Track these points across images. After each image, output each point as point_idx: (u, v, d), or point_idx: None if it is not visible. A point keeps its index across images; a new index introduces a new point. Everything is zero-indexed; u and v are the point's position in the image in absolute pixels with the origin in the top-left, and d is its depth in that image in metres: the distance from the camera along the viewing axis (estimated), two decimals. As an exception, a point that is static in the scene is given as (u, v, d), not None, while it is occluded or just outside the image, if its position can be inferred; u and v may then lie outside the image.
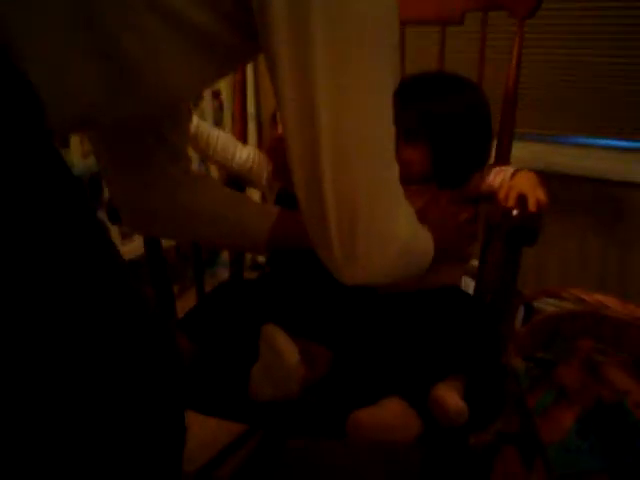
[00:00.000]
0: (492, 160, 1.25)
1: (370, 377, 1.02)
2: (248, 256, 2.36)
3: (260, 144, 2.37)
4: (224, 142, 1.33)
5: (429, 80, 1.16)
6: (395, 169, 0.78)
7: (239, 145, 1.35)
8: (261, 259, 2.41)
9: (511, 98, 1.23)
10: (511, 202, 1.01)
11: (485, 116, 1.14)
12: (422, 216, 1.05)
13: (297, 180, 0.76)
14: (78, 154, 1.99)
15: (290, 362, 0.92)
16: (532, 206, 0.98)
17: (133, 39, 0.66)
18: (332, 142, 0.71)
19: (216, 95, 2.37)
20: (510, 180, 1.07)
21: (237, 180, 1.39)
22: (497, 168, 1.15)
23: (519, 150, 1.32)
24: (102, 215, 2.02)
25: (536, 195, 0.99)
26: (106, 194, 2.01)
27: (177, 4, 0.66)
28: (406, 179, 1.10)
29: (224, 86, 2.34)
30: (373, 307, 1.12)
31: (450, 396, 0.92)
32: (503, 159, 1.24)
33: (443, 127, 1.10)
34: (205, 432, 1.43)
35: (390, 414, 0.92)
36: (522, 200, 1.00)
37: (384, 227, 0.78)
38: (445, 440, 1.15)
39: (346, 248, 0.76)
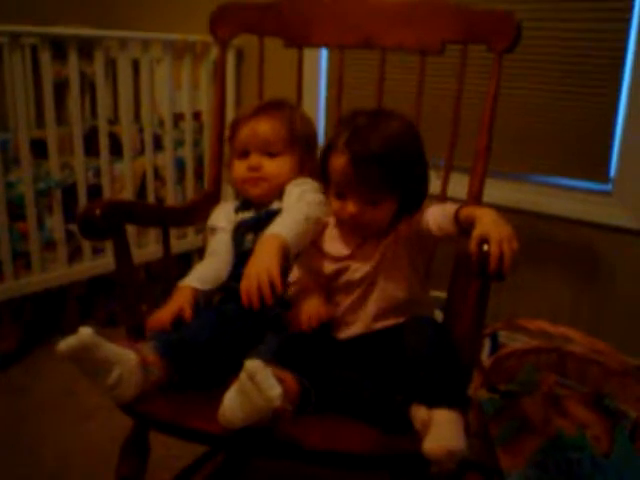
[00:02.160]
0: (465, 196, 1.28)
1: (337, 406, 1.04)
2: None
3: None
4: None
5: (375, 133, 1.09)
6: None
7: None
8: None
9: (487, 130, 1.25)
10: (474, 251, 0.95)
11: (420, 142, 1.14)
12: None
13: None
14: (56, 166, 1.98)
15: (270, 395, 0.91)
16: (507, 262, 0.92)
17: None
18: None
19: (197, 116, 2.39)
20: (477, 227, 0.98)
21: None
22: (436, 207, 1.12)
23: (490, 187, 1.34)
24: (73, 228, 2.04)
25: (512, 247, 0.93)
26: (81, 206, 2.02)
27: None
28: (377, 232, 1.13)
29: (205, 106, 2.37)
30: (335, 350, 1.15)
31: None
32: (477, 190, 1.27)
33: (405, 177, 1.09)
34: (169, 449, 1.43)
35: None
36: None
37: None
38: (408, 466, 1.16)
39: None
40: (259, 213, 1.29)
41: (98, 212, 1.10)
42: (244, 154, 1.30)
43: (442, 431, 0.93)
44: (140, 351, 1.04)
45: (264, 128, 1.28)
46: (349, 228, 1.15)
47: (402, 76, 1.68)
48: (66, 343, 0.94)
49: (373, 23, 1.38)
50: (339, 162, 1.09)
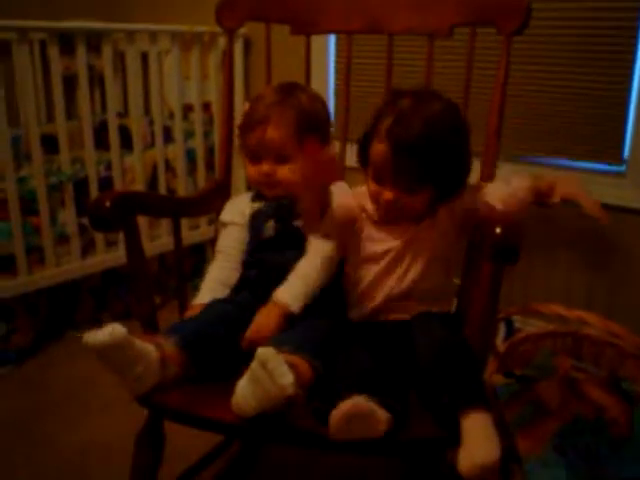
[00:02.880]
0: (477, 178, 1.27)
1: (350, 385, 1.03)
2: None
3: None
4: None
5: (417, 122, 1.05)
6: None
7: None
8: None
9: (497, 113, 1.24)
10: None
11: (465, 128, 1.13)
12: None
13: None
14: (67, 160, 1.99)
15: (282, 383, 0.92)
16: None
17: None
18: None
19: (206, 107, 2.39)
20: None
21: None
22: (491, 185, 1.16)
23: (501, 170, 1.33)
24: (86, 221, 2.05)
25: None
26: (92, 198, 2.02)
27: None
28: (414, 216, 1.13)
29: (214, 97, 2.36)
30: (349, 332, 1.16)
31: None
32: (488, 173, 1.26)
33: (445, 166, 1.08)
34: (184, 440, 1.43)
35: (353, 406, 0.91)
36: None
37: None
38: (424, 453, 1.15)
39: None
40: (280, 201, 1.26)
41: (108, 204, 1.10)
42: (256, 158, 1.26)
43: (476, 443, 0.92)
44: (161, 345, 1.04)
45: (272, 135, 1.22)
46: (384, 210, 1.14)
47: (411, 61, 1.67)
48: (96, 338, 0.93)
49: (380, 7, 1.36)
50: (380, 149, 1.07)
